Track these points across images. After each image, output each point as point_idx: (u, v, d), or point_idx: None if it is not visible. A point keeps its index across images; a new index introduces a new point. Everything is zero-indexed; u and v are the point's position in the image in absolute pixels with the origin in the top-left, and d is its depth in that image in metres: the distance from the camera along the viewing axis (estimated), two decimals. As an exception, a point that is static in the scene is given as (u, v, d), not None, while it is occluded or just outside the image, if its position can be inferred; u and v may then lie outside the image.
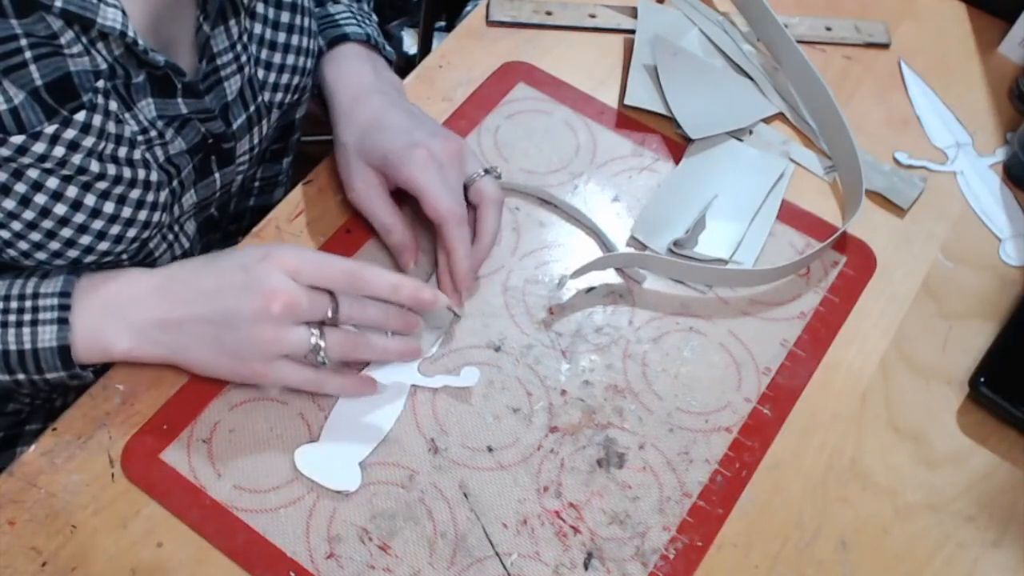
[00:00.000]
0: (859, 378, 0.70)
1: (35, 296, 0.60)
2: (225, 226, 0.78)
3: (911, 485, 0.66)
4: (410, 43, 1.73)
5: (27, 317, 0.59)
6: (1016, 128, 0.85)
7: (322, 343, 0.61)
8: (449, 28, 1.71)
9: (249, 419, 0.64)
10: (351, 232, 0.73)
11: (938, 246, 0.78)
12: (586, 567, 0.61)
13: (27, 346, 0.59)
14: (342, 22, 0.78)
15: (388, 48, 0.79)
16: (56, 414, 0.64)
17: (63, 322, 0.59)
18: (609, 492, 0.64)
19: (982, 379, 0.69)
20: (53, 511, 0.60)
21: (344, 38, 0.77)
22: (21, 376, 0.60)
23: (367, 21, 0.79)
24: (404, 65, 0.78)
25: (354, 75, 0.74)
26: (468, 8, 1.68)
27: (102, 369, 0.65)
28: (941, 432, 0.68)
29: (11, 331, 0.59)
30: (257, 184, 0.83)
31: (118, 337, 0.60)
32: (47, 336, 0.59)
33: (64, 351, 0.59)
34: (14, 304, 0.60)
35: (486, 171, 0.71)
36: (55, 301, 0.60)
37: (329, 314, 0.61)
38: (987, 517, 0.65)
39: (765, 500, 0.64)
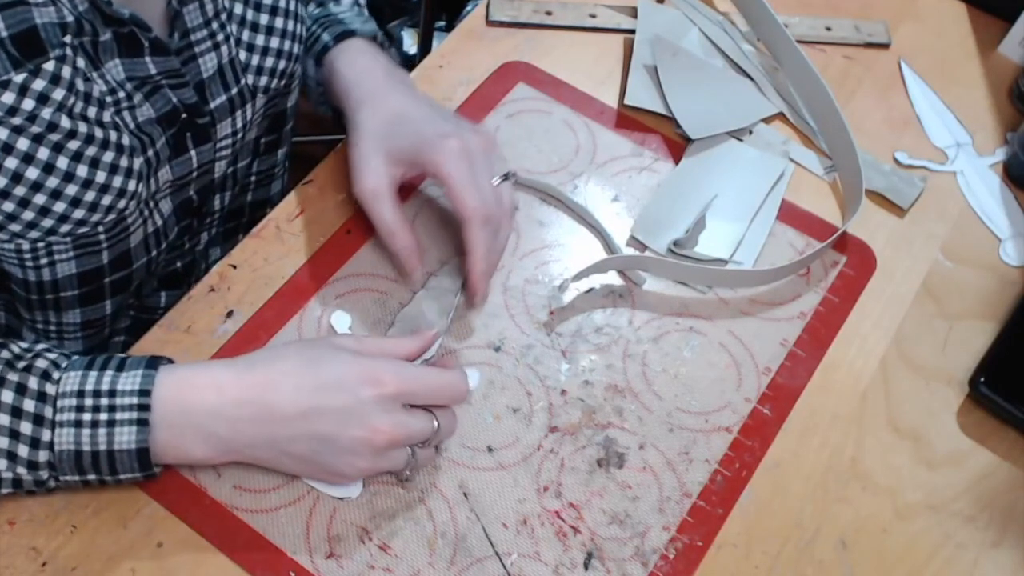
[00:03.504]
0: (859, 378, 0.70)
1: (112, 394, 0.56)
2: (204, 213, 0.77)
3: (911, 485, 0.66)
4: (410, 43, 1.73)
5: (103, 417, 0.56)
6: (1016, 128, 0.85)
7: (414, 460, 0.60)
8: (449, 28, 1.71)
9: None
10: (351, 233, 0.73)
11: (938, 246, 0.78)
12: (586, 567, 0.61)
13: (102, 447, 0.56)
14: (346, 20, 0.78)
15: (392, 49, 0.79)
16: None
17: (143, 423, 0.56)
18: (609, 492, 0.64)
19: (982, 379, 0.69)
20: (53, 511, 0.60)
21: (351, 34, 0.77)
22: (92, 477, 0.57)
23: (369, 22, 0.79)
24: (404, 65, 0.78)
25: (370, 68, 0.74)
26: (468, 8, 1.68)
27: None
28: (941, 432, 0.68)
29: (86, 431, 0.56)
30: (253, 178, 0.82)
31: (204, 448, 0.58)
32: (125, 438, 0.56)
33: (143, 453, 0.56)
34: (89, 401, 0.56)
35: (505, 176, 0.69)
36: (134, 400, 0.56)
37: (432, 442, 0.60)
38: (987, 517, 0.65)
39: (765, 500, 0.64)
